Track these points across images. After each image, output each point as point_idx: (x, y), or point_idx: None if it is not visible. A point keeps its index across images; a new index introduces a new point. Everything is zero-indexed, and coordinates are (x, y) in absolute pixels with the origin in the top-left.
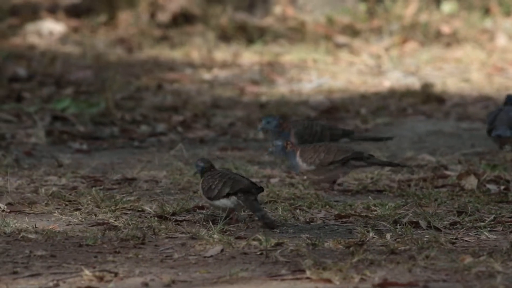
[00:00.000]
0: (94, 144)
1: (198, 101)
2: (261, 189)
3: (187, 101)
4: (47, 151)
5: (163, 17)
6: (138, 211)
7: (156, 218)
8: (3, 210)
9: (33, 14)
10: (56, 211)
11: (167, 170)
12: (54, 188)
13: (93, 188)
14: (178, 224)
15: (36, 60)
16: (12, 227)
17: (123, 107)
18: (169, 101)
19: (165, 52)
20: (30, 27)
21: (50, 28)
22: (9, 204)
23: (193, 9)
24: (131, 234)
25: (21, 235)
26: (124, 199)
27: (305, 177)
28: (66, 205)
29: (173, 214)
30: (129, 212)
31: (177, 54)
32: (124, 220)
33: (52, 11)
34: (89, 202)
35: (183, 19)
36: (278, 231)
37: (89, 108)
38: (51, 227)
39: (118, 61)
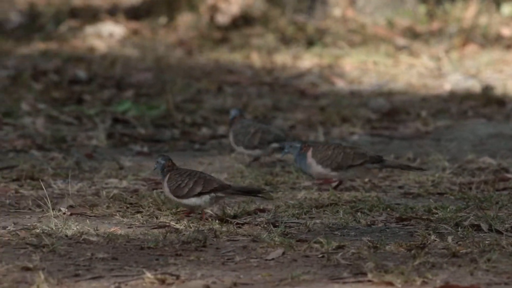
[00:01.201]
0: (155, 146)
1: (258, 103)
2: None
3: (248, 103)
4: (108, 154)
5: (223, 19)
6: (199, 213)
7: (217, 221)
8: (64, 213)
9: (93, 16)
10: (117, 214)
11: (228, 173)
12: (115, 191)
13: (154, 191)
14: (239, 227)
15: (96, 63)
16: (73, 229)
17: (183, 109)
18: (230, 104)
19: (225, 55)
20: (90, 29)
21: (110, 31)
22: (70, 206)
23: (252, 12)
24: (193, 237)
25: (83, 237)
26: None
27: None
28: (127, 207)
29: (235, 217)
30: (190, 214)
31: (237, 57)
32: (185, 222)
33: (112, 13)
34: (150, 204)
35: (243, 21)
36: (261, 195)
37: (149, 110)
38: (112, 229)
39: (178, 63)
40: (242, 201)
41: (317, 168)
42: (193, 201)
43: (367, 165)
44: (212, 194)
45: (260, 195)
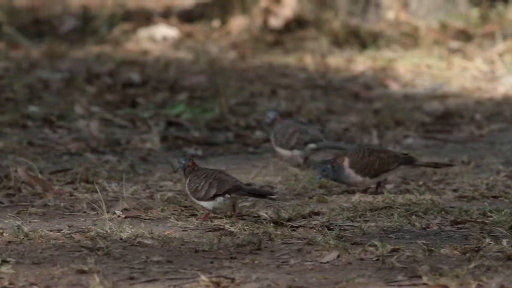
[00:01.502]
0: (208, 149)
1: (312, 106)
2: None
3: (301, 106)
4: (162, 157)
5: (276, 22)
6: (254, 216)
7: (272, 224)
8: (119, 216)
9: (147, 19)
10: (172, 217)
11: (282, 176)
12: (170, 194)
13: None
14: (294, 230)
15: (150, 66)
16: (128, 232)
17: (237, 112)
18: (283, 107)
19: (278, 58)
20: (144, 32)
21: (164, 34)
22: (125, 209)
23: (306, 15)
24: (247, 240)
25: (137, 240)
26: (240, 205)
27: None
28: (182, 210)
29: (289, 220)
30: (245, 217)
31: (290, 60)
32: (240, 225)
33: (165, 16)
34: None
35: (296, 24)
36: (275, 197)
37: (203, 113)
38: (167, 232)
39: (232, 66)
40: (296, 204)
41: (356, 178)
42: (211, 203)
43: (401, 167)
44: (227, 196)
45: (272, 197)
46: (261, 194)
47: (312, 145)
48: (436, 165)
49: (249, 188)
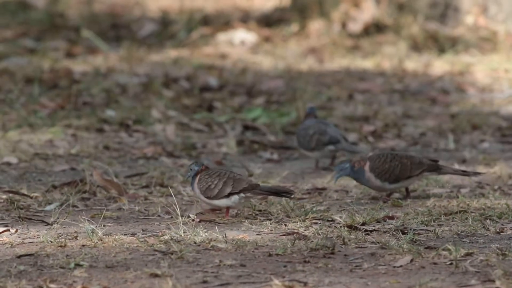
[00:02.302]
0: (284, 153)
1: (389, 110)
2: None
3: (378, 110)
4: (238, 161)
5: (355, 27)
6: (328, 220)
7: (345, 228)
8: (193, 220)
9: (225, 24)
10: (246, 221)
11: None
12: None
13: (284, 198)
14: (367, 234)
15: (227, 70)
16: (202, 236)
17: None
18: (360, 111)
19: (356, 62)
20: (222, 36)
21: (242, 38)
22: (199, 213)
23: (384, 19)
24: (321, 244)
25: (211, 244)
26: (314, 209)
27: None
28: (256, 214)
29: (363, 224)
30: (319, 221)
31: (368, 64)
32: (314, 229)
33: (244, 21)
34: (279, 211)
35: (374, 29)
36: (292, 196)
37: (280, 117)
38: (241, 236)
39: (309, 71)
40: (371, 208)
41: (376, 182)
42: (223, 202)
43: (425, 174)
44: (242, 195)
45: (286, 195)
46: (278, 192)
47: (330, 147)
48: (464, 173)
49: (266, 186)
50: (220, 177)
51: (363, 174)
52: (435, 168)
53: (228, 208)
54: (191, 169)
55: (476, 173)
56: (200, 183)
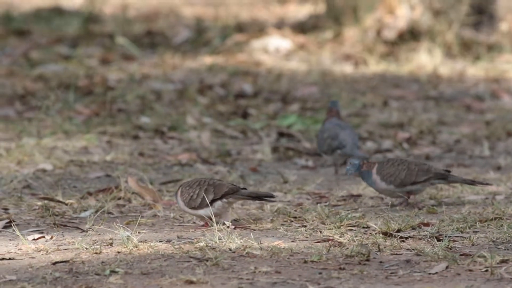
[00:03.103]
0: (319, 160)
1: (423, 117)
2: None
3: (413, 117)
4: (273, 168)
5: (390, 34)
6: (363, 227)
7: (381, 235)
8: (228, 227)
9: (260, 30)
10: (281, 228)
11: None
12: (280, 205)
13: (318, 205)
14: (403, 241)
15: (262, 77)
16: (237, 243)
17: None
18: (395, 118)
19: (391, 69)
20: (257, 43)
21: (277, 45)
22: (234, 220)
23: (419, 26)
24: (356, 251)
25: (246, 251)
26: (349, 216)
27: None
28: (291, 221)
29: (398, 230)
30: (354, 228)
31: (403, 71)
32: (349, 236)
33: (279, 27)
34: (314, 218)
35: (409, 35)
36: (274, 199)
37: (314, 124)
38: (276, 243)
39: (344, 77)
40: (406, 215)
41: (381, 185)
42: (208, 211)
43: (432, 181)
44: (224, 200)
45: (269, 199)
46: (259, 196)
47: (339, 151)
48: (472, 182)
49: (247, 191)
50: (201, 186)
51: (370, 176)
52: (442, 176)
53: (205, 219)
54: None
55: (484, 183)
56: (182, 195)
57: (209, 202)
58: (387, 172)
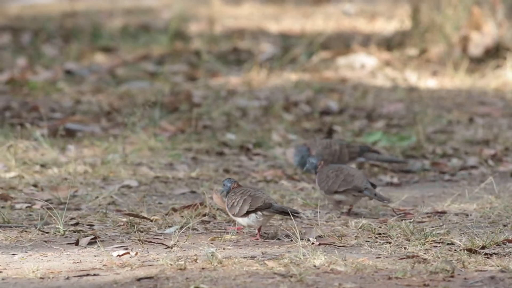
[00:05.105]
0: (404, 177)
1: (509, 134)
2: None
3: (498, 134)
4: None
5: (476, 50)
6: (448, 244)
7: (465, 251)
8: (312, 243)
9: (346, 48)
10: (366, 244)
11: (477, 204)
12: (364, 221)
13: (403, 221)
14: (487, 257)
15: (347, 94)
16: (321, 259)
17: (434, 140)
18: (480, 135)
19: (476, 85)
20: (343, 60)
21: (362, 62)
22: (319, 236)
23: (506, 42)
24: (440, 267)
25: (331, 267)
26: (434, 232)
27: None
28: (376, 237)
29: (483, 247)
30: (438, 245)
31: (488, 88)
32: (433, 253)
33: (364, 44)
34: (399, 235)
35: (495, 52)
36: (300, 216)
37: (400, 141)
38: (360, 259)
39: (430, 94)
40: (491, 231)
41: (317, 186)
42: (245, 220)
43: (353, 193)
44: (259, 213)
45: (297, 215)
46: (287, 212)
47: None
48: (381, 199)
49: (277, 206)
50: (242, 195)
51: (316, 178)
52: (360, 189)
53: (259, 228)
54: (224, 185)
55: (388, 200)
56: (228, 201)
57: (245, 213)
58: (320, 177)
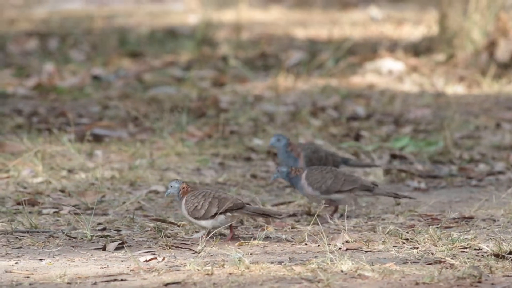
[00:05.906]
0: (432, 182)
1: None
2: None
3: None
4: (385, 189)
5: (503, 56)
6: (475, 249)
7: (492, 257)
8: (340, 248)
9: (373, 53)
10: (393, 249)
11: (505, 209)
12: (391, 226)
13: (430, 227)
14: None
15: (375, 99)
16: (349, 264)
17: (461, 146)
18: (508, 140)
19: (504, 91)
20: (370, 65)
21: (390, 67)
22: (346, 242)
23: None
24: (468, 273)
25: (358, 272)
26: (461, 238)
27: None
28: (403, 243)
29: (510, 252)
30: (466, 250)
31: None
32: (460, 258)
33: (391, 50)
34: (426, 240)
35: None
36: (280, 218)
37: (427, 146)
38: (387, 265)
39: (457, 99)
40: None
41: (308, 190)
42: (210, 222)
43: (356, 192)
44: (228, 214)
45: (278, 217)
46: (265, 214)
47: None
48: (396, 196)
49: (252, 207)
50: (206, 197)
51: (298, 181)
52: (367, 188)
53: (231, 227)
54: (171, 187)
55: (406, 197)
56: (187, 204)
57: (213, 215)
58: (314, 178)
